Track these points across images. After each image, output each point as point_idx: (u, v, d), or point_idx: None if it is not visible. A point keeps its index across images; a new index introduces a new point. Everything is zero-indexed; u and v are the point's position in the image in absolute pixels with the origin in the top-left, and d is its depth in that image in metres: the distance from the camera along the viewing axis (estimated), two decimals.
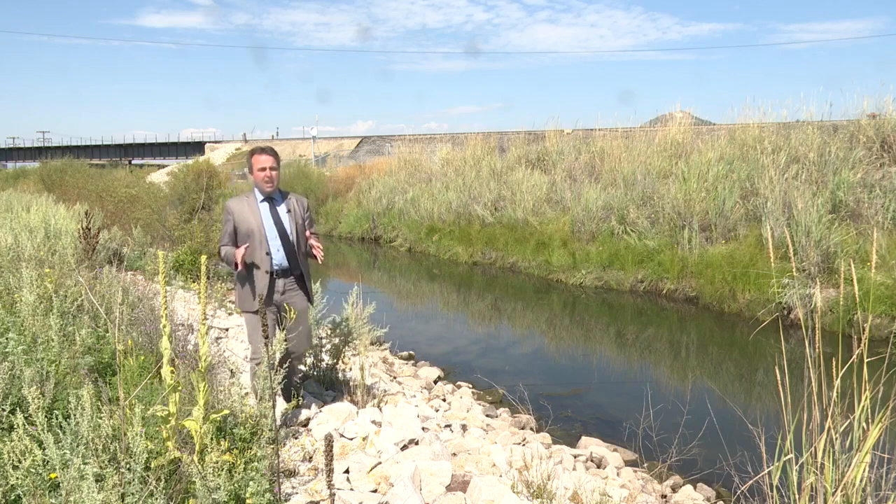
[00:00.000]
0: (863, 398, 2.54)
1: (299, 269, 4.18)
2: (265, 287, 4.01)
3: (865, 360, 2.53)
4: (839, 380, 2.58)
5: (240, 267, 3.95)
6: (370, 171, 23.69)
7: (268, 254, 4.04)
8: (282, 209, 4.15)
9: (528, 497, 3.44)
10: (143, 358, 3.92)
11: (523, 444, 4.63)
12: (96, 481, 2.26)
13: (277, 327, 4.02)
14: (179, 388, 2.80)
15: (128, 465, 2.41)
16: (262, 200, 4.13)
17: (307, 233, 4.25)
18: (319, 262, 4.21)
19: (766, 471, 2.70)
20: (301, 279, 4.21)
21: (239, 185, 26.71)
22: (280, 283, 4.11)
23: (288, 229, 4.11)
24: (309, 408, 4.51)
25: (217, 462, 2.58)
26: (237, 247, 4.04)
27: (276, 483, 2.90)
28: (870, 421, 2.54)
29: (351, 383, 5.25)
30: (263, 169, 4.07)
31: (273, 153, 4.12)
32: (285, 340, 3.84)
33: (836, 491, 2.51)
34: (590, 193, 13.03)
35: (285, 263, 4.12)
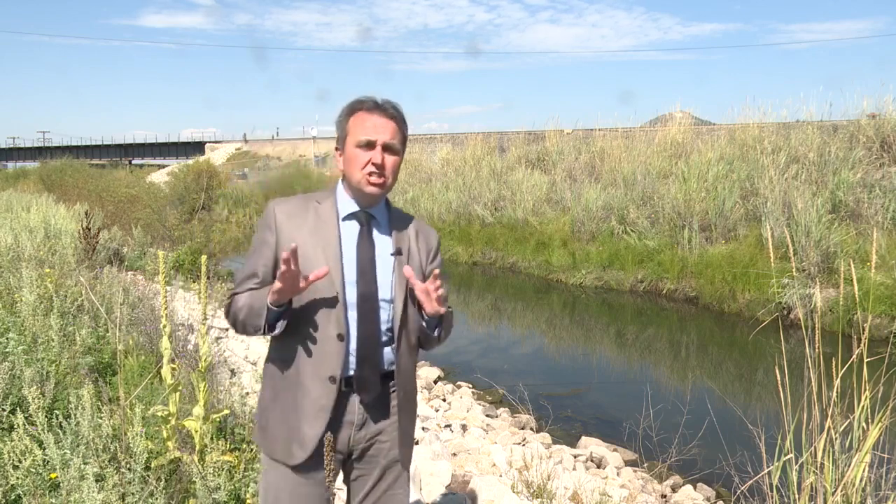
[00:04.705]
0: (863, 398, 2.54)
1: (394, 379, 1.82)
2: (326, 411, 1.72)
3: (865, 360, 2.53)
4: (839, 380, 2.58)
5: (276, 327, 1.70)
6: None
7: (340, 337, 1.72)
8: (384, 244, 1.80)
9: (528, 497, 3.44)
10: (143, 358, 3.93)
11: (523, 444, 4.63)
12: (96, 481, 2.26)
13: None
14: (179, 388, 2.80)
15: (128, 465, 2.41)
16: (349, 216, 1.79)
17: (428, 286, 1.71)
18: (428, 313, 1.74)
19: (766, 471, 2.70)
20: (401, 401, 1.84)
21: (239, 185, 26.65)
22: (354, 403, 1.77)
23: (389, 291, 1.78)
24: None
25: (217, 462, 2.59)
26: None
27: None
28: (870, 421, 2.54)
29: None
30: (371, 144, 1.73)
31: (397, 115, 1.78)
32: None
33: (835, 491, 2.51)
34: (590, 193, 13.03)
35: (370, 365, 1.76)
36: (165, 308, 2.77)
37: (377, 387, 1.78)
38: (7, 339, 3.48)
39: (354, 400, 1.77)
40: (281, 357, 1.78)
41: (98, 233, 8.45)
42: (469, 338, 9.24)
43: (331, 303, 1.73)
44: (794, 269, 8.59)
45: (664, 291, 10.63)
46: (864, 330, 2.62)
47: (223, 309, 1.85)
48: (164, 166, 48.00)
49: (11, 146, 66.76)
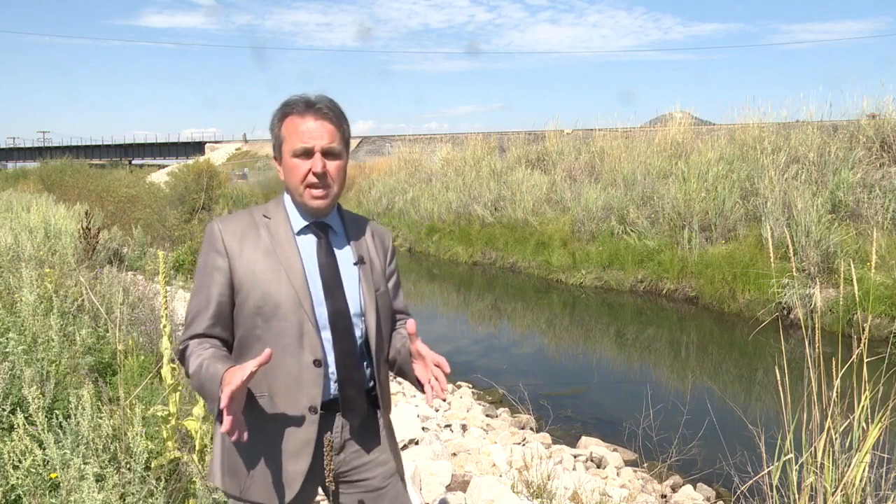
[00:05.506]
0: (863, 398, 2.54)
1: (377, 398, 1.72)
2: (310, 444, 1.60)
3: (865, 360, 2.54)
4: (839, 380, 2.59)
5: (225, 420, 1.37)
6: (370, 171, 23.69)
7: (317, 363, 1.59)
8: (345, 254, 1.68)
9: (528, 497, 3.44)
10: (143, 358, 3.93)
11: (523, 444, 4.64)
12: (96, 481, 2.26)
13: None
14: (179, 388, 2.80)
15: (128, 465, 2.41)
16: (304, 230, 1.65)
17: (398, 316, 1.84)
18: (429, 402, 1.76)
19: (766, 471, 2.70)
20: (385, 419, 1.75)
21: (239, 185, 26.61)
22: (336, 430, 1.65)
23: (358, 304, 1.66)
24: None
25: None
26: (232, 354, 1.63)
27: None
28: (870, 421, 2.54)
29: None
30: (308, 153, 1.57)
31: (334, 114, 1.60)
32: None
33: (835, 491, 2.51)
34: (590, 193, 13.03)
35: (353, 386, 1.65)
36: (165, 308, 2.77)
37: (363, 407, 1.67)
38: (7, 339, 3.48)
39: (335, 424, 1.64)
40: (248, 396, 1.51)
41: (98, 233, 8.46)
42: (469, 338, 9.24)
43: (302, 328, 1.57)
44: (794, 269, 8.58)
45: (664, 291, 10.63)
46: (864, 330, 2.63)
47: (177, 353, 1.64)
48: (164, 166, 48.04)
49: (11, 146, 66.80)
